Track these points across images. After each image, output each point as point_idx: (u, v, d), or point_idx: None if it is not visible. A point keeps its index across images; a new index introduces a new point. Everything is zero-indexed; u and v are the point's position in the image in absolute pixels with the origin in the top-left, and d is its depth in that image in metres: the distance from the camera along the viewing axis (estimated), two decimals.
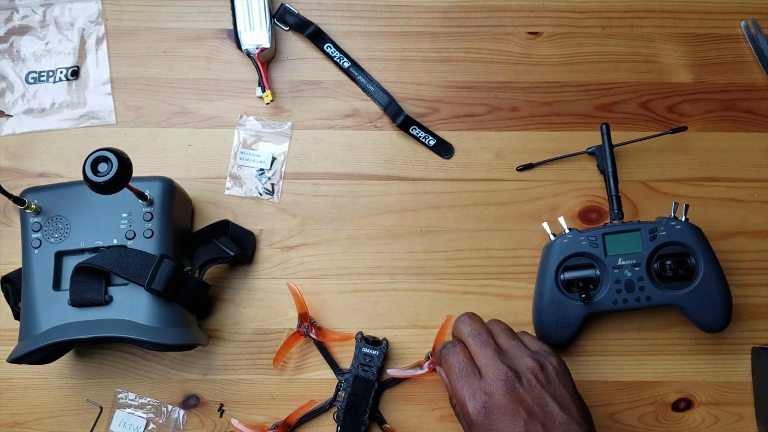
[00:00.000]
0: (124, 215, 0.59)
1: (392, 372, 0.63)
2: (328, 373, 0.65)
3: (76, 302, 0.57)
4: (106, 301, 0.58)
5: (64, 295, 0.58)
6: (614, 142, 0.65)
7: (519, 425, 0.51)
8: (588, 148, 0.68)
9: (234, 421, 0.62)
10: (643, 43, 0.71)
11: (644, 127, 0.69)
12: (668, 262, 0.61)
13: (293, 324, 0.65)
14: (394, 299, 0.66)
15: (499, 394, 0.51)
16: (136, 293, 0.58)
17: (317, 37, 0.70)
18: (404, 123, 0.68)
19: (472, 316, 0.57)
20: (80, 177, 0.52)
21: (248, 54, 0.68)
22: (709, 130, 0.69)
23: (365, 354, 0.63)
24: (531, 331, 0.65)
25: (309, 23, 0.70)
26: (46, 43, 0.70)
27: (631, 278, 0.61)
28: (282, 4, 0.70)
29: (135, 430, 0.64)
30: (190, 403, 0.65)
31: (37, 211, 0.60)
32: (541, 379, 0.53)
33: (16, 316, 0.61)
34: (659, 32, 0.71)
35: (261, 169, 0.68)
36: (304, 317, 0.64)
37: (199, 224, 0.67)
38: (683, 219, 0.62)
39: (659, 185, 0.68)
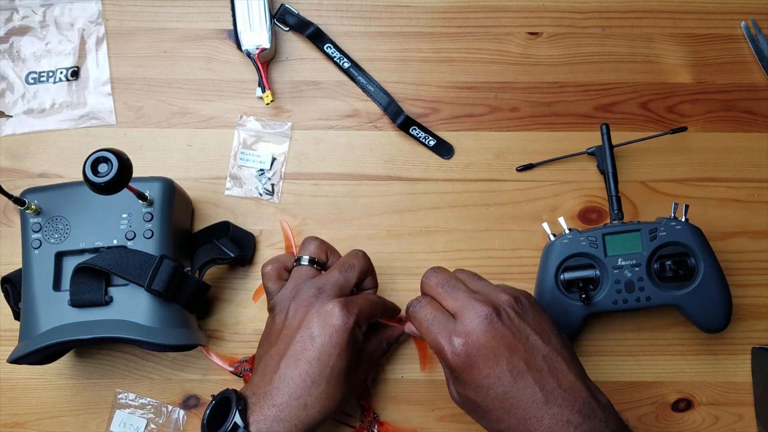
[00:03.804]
0: (124, 216, 0.59)
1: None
2: None
3: (76, 303, 0.57)
4: (106, 302, 0.58)
5: (64, 296, 0.58)
6: (614, 142, 0.65)
7: (502, 364, 0.48)
8: (588, 149, 0.68)
9: (212, 356, 0.63)
10: (643, 43, 0.71)
11: (644, 128, 0.69)
12: (668, 263, 0.61)
13: None
14: (393, 300, 0.66)
15: (479, 333, 0.48)
16: (136, 294, 0.58)
17: (317, 38, 0.70)
18: (404, 123, 0.68)
19: (437, 268, 0.55)
20: (80, 177, 0.52)
21: (248, 54, 0.68)
22: (709, 130, 0.69)
23: None
24: None
25: (309, 23, 0.70)
26: (46, 44, 0.70)
27: (631, 278, 0.61)
28: (282, 5, 0.70)
29: (135, 430, 0.64)
30: (190, 403, 0.65)
31: (37, 212, 0.60)
32: (519, 311, 0.50)
33: (16, 316, 0.61)
34: (659, 32, 0.71)
35: (261, 170, 0.68)
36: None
37: (199, 224, 0.67)
38: (683, 219, 0.62)
39: (659, 185, 0.68)
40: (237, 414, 0.49)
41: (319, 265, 0.58)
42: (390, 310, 0.61)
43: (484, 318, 0.49)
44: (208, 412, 0.52)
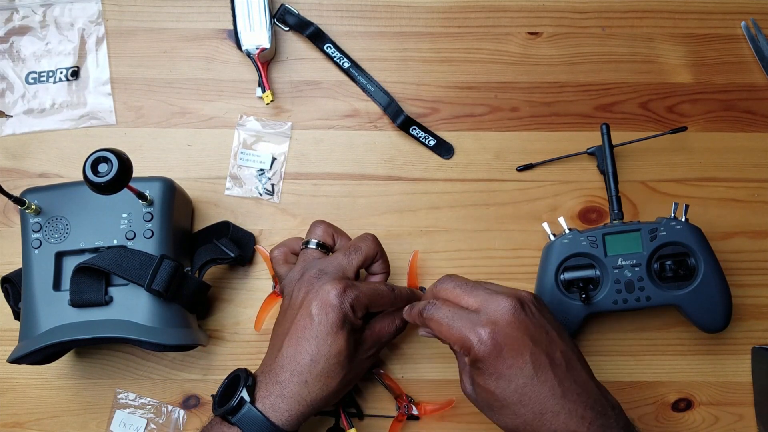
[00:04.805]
0: (124, 215, 0.59)
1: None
2: None
3: (76, 302, 0.57)
4: (106, 302, 0.58)
5: (64, 296, 0.58)
6: (614, 142, 0.65)
7: (525, 355, 0.49)
8: (588, 148, 0.68)
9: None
10: (643, 43, 0.71)
11: (644, 127, 0.69)
12: (668, 263, 0.61)
13: None
14: None
15: (504, 323, 0.49)
16: (136, 293, 0.58)
17: (317, 38, 0.70)
18: (404, 123, 0.68)
19: (453, 275, 0.55)
20: (80, 177, 0.52)
21: (248, 54, 0.68)
22: (709, 130, 0.69)
23: None
24: None
25: (309, 23, 0.70)
26: (46, 44, 0.70)
27: (631, 278, 0.61)
28: (282, 4, 0.70)
29: (135, 430, 0.64)
30: (190, 403, 0.65)
31: (37, 212, 0.60)
32: (539, 307, 0.52)
33: (16, 316, 0.61)
34: (659, 32, 0.71)
35: (261, 170, 0.68)
36: (276, 279, 0.64)
37: (199, 224, 0.67)
38: (683, 219, 0.62)
39: (659, 185, 0.68)
40: (244, 390, 0.51)
41: (325, 248, 0.59)
42: (403, 299, 0.59)
43: (509, 308, 0.50)
44: (220, 390, 0.54)
